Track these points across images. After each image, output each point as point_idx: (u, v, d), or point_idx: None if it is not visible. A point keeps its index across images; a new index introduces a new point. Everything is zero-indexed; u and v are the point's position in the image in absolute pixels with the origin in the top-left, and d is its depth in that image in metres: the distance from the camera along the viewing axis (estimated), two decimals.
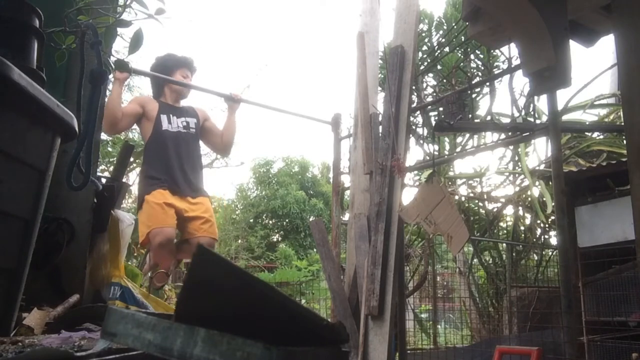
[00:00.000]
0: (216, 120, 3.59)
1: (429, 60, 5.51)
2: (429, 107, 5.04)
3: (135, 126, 3.39)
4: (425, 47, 5.64)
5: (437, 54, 5.46)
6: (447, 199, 2.61)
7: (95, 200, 1.97)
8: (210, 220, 3.15)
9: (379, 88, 3.79)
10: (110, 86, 3.16)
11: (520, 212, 5.67)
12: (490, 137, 4.84)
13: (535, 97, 3.80)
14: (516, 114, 3.37)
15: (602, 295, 3.74)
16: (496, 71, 5.09)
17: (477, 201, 5.81)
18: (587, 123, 4.62)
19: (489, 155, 12.36)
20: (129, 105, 3.19)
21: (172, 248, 3.03)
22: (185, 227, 3.09)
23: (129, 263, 2.63)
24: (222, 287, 0.64)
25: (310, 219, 11.87)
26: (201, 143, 3.47)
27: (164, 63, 3.33)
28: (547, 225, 5.55)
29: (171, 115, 3.20)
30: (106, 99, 3.08)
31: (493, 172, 5.48)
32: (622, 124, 1.96)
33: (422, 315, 6.29)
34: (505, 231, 6.07)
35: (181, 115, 3.26)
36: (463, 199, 5.65)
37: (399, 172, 2.87)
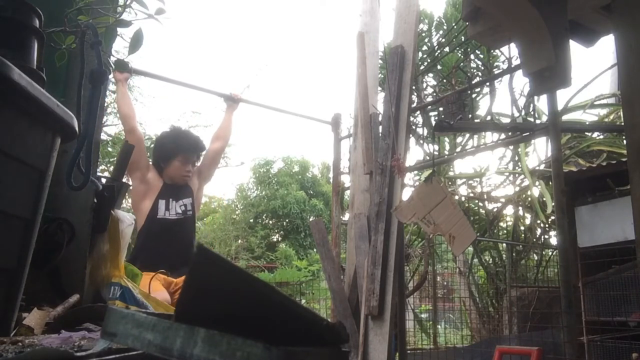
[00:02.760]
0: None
1: (429, 60, 5.51)
2: (429, 107, 5.04)
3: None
4: (425, 47, 5.64)
5: (437, 54, 5.46)
6: (448, 199, 2.60)
7: (95, 200, 1.96)
8: None
9: (379, 88, 3.79)
10: (111, 87, 3.16)
11: (520, 212, 5.67)
12: (490, 137, 4.84)
13: (535, 97, 3.80)
14: (516, 114, 3.37)
15: (602, 295, 3.75)
16: (496, 71, 5.09)
17: (477, 201, 5.81)
18: (587, 123, 4.62)
19: (489, 155, 12.37)
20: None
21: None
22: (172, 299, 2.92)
23: (129, 263, 2.62)
24: (222, 287, 0.64)
25: (310, 219, 11.88)
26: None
27: (164, 146, 3.11)
28: (547, 225, 5.56)
29: (170, 200, 3.05)
30: (107, 100, 3.07)
31: (493, 172, 5.49)
32: (622, 124, 1.96)
33: (422, 315, 6.29)
34: (505, 231, 6.08)
35: (179, 197, 3.09)
36: (463, 199, 5.65)
37: (399, 172, 2.87)
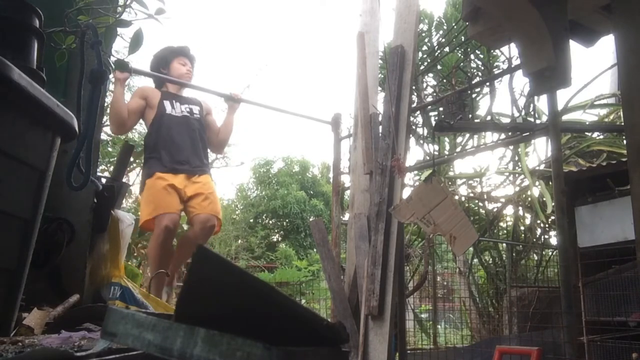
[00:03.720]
0: (217, 118, 3.64)
1: (429, 60, 5.51)
2: (429, 107, 5.04)
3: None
4: (425, 47, 5.64)
5: (437, 54, 5.46)
6: (449, 199, 2.60)
7: (95, 200, 1.96)
8: (209, 198, 3.15)
9: (379, 88, 3.79)
10: (110, 86, 3.16)
11: (520, 212, 5.67)
12: (490, 137, 4.84)
13: (535, 97, 3.80)
14: (516, 114, 3.37)
15: (602, 295, 3.75)
16: (496, 71, 5.09)
17: (477, 201, 5.81)
18: (587, 123, 4.62)
19: (489, 155, 12.36)
20: (132, 101, 3.20)
21: (172, 241, 3.07)
22: (186, 207, 3.12)
23: (129, 263, 2.63)
24: (222, 287, 0.64)
25: (311, 219, 11.87)
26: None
27: (161, 55, 3.37)
28: (547, 225, 5.55)
29: (174, 101, 3.24)
30: (107, 100, 3.08)
31: (493, 172, 5.49)
32: (622, 124, 1.96)
33: (422, 315, 6.29)
34: (505, 231, 6.07)
35: (185, 102, 3.30)
36: (463, 199, 5.65)
37: (399, 172, 2.87)
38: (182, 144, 3.15)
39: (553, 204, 3.76)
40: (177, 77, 3.33)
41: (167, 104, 3.20)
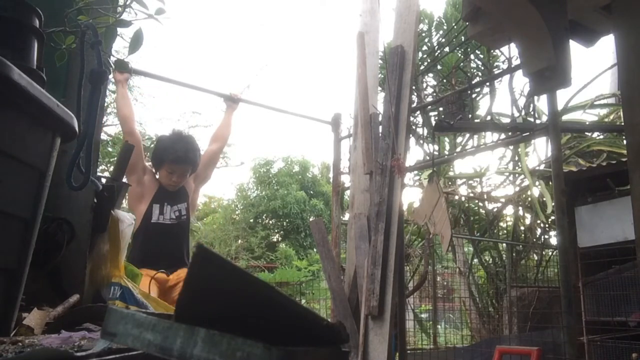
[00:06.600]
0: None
1: (429, 60, 5.51)
2: (429, 107, 5.05)
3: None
4: (425, 47, 5.65)
5: (437, 54, 5.46)
6: (441, 198, 2.63)
7: (95, 200, 1.96)
8: None
9: (379, 88, 3.79)
10: (111, 87, 3.15)
11: (520, 212, 5.67)
12: (490, 137, 4.85)
13: (535, 97, 3.80)
14: (516, 114, 3.37)
15: (602, 295, 3.75)
16: (496, 71, 5.10)
17: (477, 201, 5.81)
18: (587, 123, 4.63)
19: (489, 155, 12.34)
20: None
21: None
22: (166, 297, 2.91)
23: (129, 263, 2.62)
24: (222, 287, 0.64)
25: (311, 219, 11.86)
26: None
27: (156, 152, 3.12)
28: (547, 225, 5.56)
29: (165, 204, 3.04)
30: (107, 100, 3.06)
31: (493, 172, 5.49)
32: (622, 124, 1.96)
33: (422, 315, 6.30)
34: (505, 231, 6.08)
35: (175, 202, 3.08)
36: (463, 199, 5.65)
37: (399, 172, 2.87)
38: (165, 259, 2.94)
39: (553, 204, 3.76)
40: (163, 184, 3.06)
41: (155, 209, 2.99)
